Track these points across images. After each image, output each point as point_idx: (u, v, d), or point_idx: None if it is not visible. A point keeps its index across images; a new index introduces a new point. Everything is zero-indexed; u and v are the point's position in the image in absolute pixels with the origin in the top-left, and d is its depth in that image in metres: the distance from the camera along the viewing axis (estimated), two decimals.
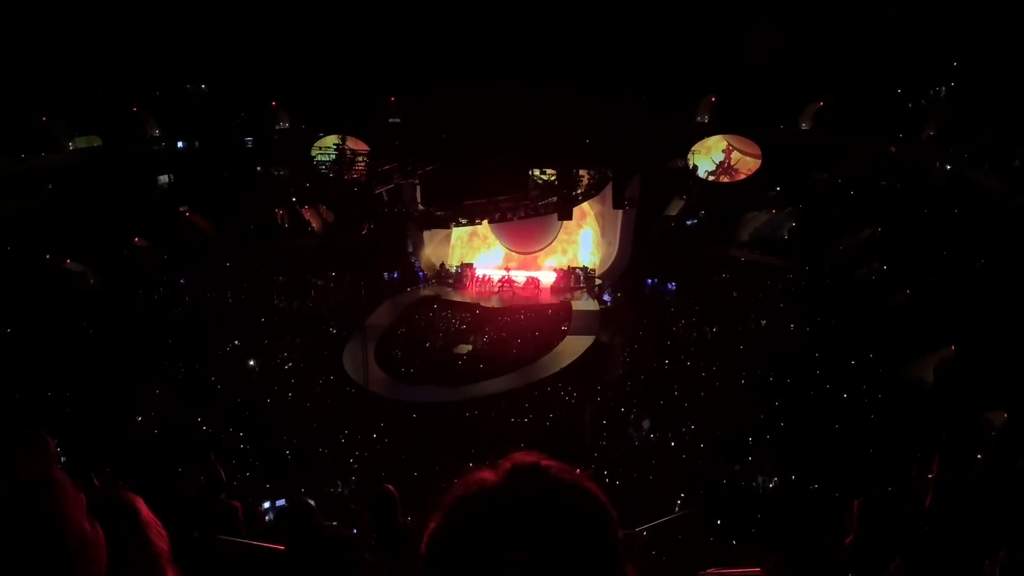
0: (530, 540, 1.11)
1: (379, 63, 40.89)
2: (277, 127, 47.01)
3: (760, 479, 19.99)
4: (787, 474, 19.72)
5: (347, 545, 2.61)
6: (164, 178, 44.19)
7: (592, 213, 41.98)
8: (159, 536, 1.46)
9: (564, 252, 42.65)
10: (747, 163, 41.25)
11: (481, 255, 42.94)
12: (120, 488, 1.49)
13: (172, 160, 44.78)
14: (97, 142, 41.63)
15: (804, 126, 41.09)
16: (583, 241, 42.78)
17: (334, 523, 6.90)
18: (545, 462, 1.23)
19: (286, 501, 21.70)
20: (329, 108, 42.02)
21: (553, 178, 36.07)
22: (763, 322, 30.38)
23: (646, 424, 25.20)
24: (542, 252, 42.88)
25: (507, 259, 42.68)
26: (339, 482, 24.60)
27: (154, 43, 40.00)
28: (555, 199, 34.57)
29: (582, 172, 36.67)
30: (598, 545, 1.15)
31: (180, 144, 45.55)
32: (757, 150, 40.72)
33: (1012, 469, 6.27)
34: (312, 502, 5.12)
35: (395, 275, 43.28)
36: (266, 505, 21.29)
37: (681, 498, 20.52)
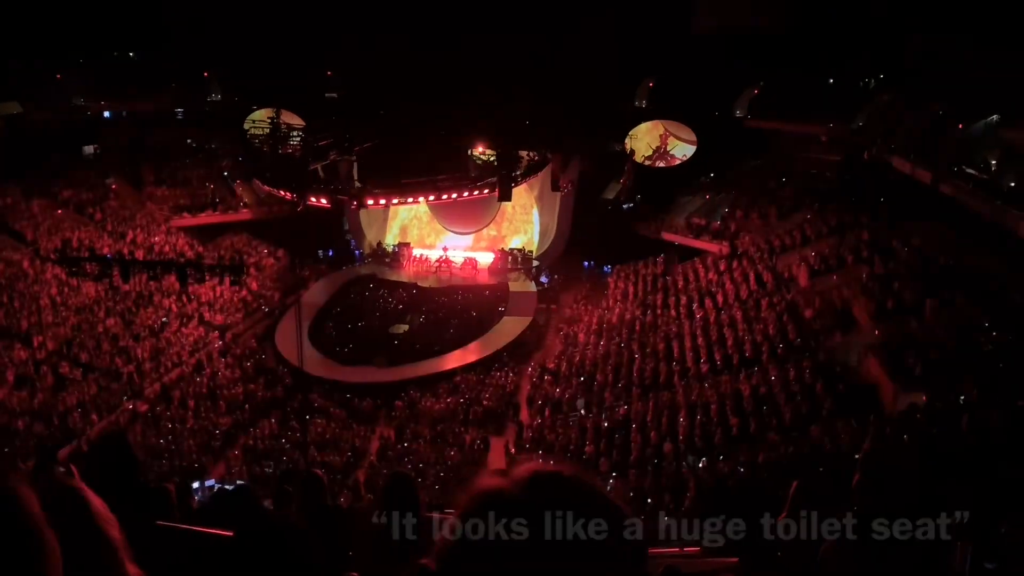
0: (557, 557, 1.04)
1: (317, 36, 40.07)
2: (209, 99, 45.72)
3: (690, 458, 20.35)
4: (717, 455, 20.13)
5: (295, 530, 2.52)
6: (89, 148, 42.56)
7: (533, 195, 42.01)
8: (113, 526, 1.34)
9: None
10: (683, 148, 41.83)
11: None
12: (69, 477, 1.37)
13: (98, 130, 43.21)
14: (16, 109, 39.80)
15: (739, 113, 41.78)
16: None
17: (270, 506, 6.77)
18: (567, 471, 1.15)
19: (216, 483, 21.35)
20: (263, 80, 41.05)
21: (492, 159, 35.90)
22: (694, 305, 30.73)
23: (580, 403, 25.43)
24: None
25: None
26: (271, 463, 24.24)
27: (79, 6, 38.37)
28: (494, 179, 34.42)
29: (521, 153, 36.60)
30: (631, 563, 1.09)
31: (107, 114, 43.95)
32: (692, 135, 41.28)
33: (934, 449, 6.51)
34: (248, 485, 5.01)
35: (330, 253, 42.67)
36: (195, 485, 20.93)
37: (613, 476, 20.82)
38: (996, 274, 21.57)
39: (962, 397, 14.54)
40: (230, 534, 2.64)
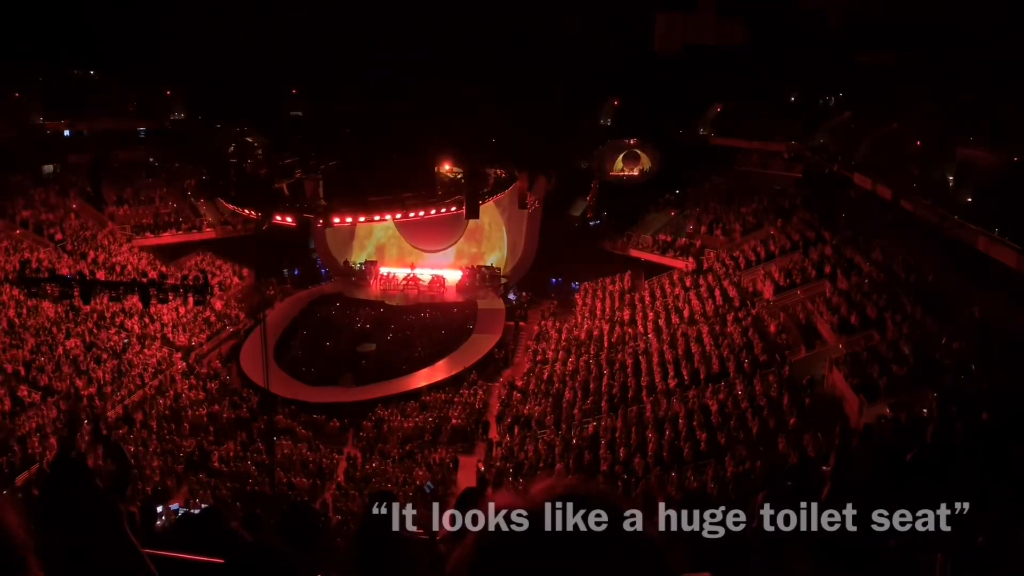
0: (558, 549, 1.05)
1: (282, 52, 39.93)
2: (172, 117, 45.34)
3: (660, 473, 20.41)
4: (686, 469, 20.24)
5: (282, 555, 2.48)
6: (49, 167, 41.84)
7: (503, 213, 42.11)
8: (29, 551, 1.22)
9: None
10: (647, 165, 42.25)
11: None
12: None
13: (58, 148, 42.49)
14: None
15: (702, 131, 42.35)
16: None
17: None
18: (586, 488, 1.15)
19: (180, 507, 20.95)
20: (227, 98, 40.78)
21: (460, 176, 35.97)
22: (660, 322, 30.92)
23: (549, 421, 25.38)
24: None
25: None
26: (236, 485, 23.84)
27: (37, 23, 37.84)
28: (461, 197, 34.45)
29: (489, 171, 36.74)
30: (638, 557, 1.09)
31: (67, 132, 43.30)
32: (657, 153, 41.74)
33: (901, 462, 6.60)
34: (216, 508, 4.96)
35: (296, 272, 42.36)
36: (159, 509, 20.48)
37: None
38: (955, 287, 22.03)
39: (924, 410, 14.77)
40: (202, 559, 2.59)
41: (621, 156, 41.96)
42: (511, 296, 38.50)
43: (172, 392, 29.32)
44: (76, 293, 27.54)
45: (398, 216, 35.51)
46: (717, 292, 30.64)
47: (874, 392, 19.14)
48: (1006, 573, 4.99)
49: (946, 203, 23.35)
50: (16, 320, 30.13)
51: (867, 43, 34.58)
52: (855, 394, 19.56)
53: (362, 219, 35.30)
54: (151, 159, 44.55)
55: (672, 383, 25.03)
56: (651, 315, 31.07)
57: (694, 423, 21.89)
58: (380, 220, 36.55)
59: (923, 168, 25.99)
